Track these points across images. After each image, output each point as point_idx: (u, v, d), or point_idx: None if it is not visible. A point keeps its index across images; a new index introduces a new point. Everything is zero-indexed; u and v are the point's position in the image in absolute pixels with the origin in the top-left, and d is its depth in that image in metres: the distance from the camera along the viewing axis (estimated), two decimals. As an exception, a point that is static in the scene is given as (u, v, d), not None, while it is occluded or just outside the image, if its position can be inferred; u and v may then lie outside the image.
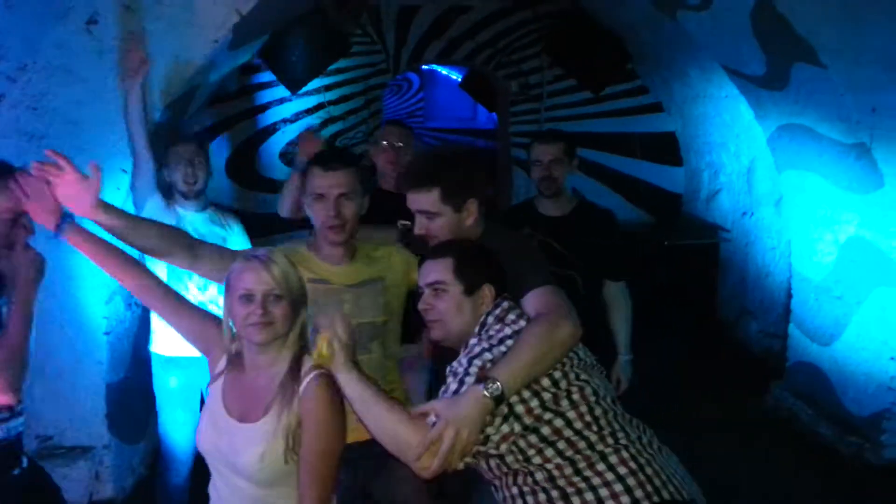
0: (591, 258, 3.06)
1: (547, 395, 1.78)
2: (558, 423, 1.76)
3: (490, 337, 1.86)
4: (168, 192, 3.18)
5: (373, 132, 6.42)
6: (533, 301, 1.95)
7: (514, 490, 1.81)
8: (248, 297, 1.78)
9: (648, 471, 1.76)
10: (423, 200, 2.13)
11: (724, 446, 3.99)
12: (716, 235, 6.02)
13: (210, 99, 5.10)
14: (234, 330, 1.86)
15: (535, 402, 1.77)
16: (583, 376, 1.85)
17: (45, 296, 3.14)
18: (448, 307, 1.95)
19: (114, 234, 2.05)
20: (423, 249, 2.25)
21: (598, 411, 1.81)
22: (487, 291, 1.95)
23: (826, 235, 4.26)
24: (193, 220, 3.16)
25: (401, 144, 3.33)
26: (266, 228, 4.65)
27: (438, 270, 1.97)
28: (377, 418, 1.75)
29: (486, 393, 1.69)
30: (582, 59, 6.16)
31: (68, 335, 3.30)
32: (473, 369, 1.77)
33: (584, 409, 1.79)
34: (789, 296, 4.76)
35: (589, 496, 1.72)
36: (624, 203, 6.57)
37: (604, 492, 1.72)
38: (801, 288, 4.55)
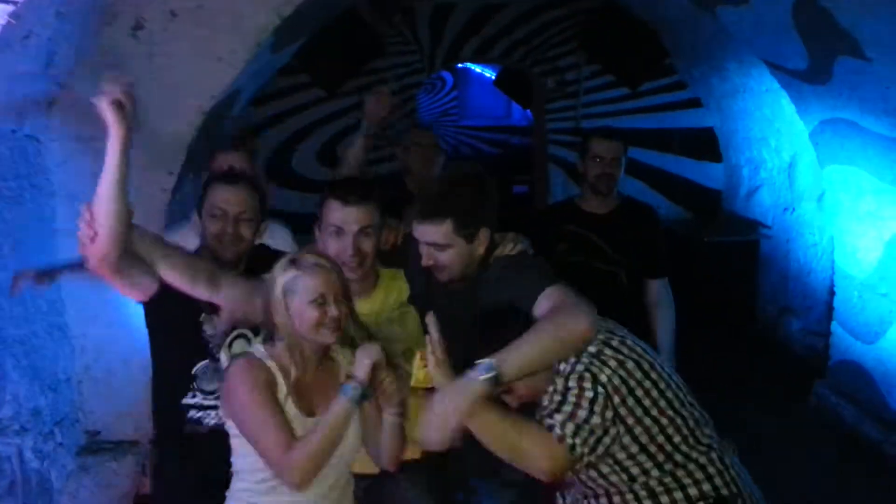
0: (634, 255, 3.06)
1: (647, 401, 1.76)
2: (654, 429, 1.76)
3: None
4: None
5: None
6: (544, 301, 1.88)
7: (603, 499, 1.83)
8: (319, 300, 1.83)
9: (732, 472, 1.82)
10: (434, 232, 2.04)
11: (766, 446, 3.94)
12: (756, 232, 5.94)
13: (249, 101, 5.17)
14: None
15: (638, 410, 1.75)
16: (675, 378, 1.86)
17: (92, 296, 3.27)
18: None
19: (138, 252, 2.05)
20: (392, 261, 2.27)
21: (685, 412, 1.82)
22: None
23: (870, 232, 4.18)
24: None
25: (434, 144, 3.52)
26: (301, 228, 4.71)
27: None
28: (496, 433, 1.74)
29: (479, 378, 1.69)
30: (619, 55, 6.13)
31: (116, 334, 3.39)
32: (572, 384, 1.75)
33: (672, 413, 1.79)
34: (832, 293, 4.67)
35: (678, 495, 1.77)
36: (662, 200, 6.53)
37: (693, 491, 1.76)
38: (845, 285, 4.46)
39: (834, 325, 4.55)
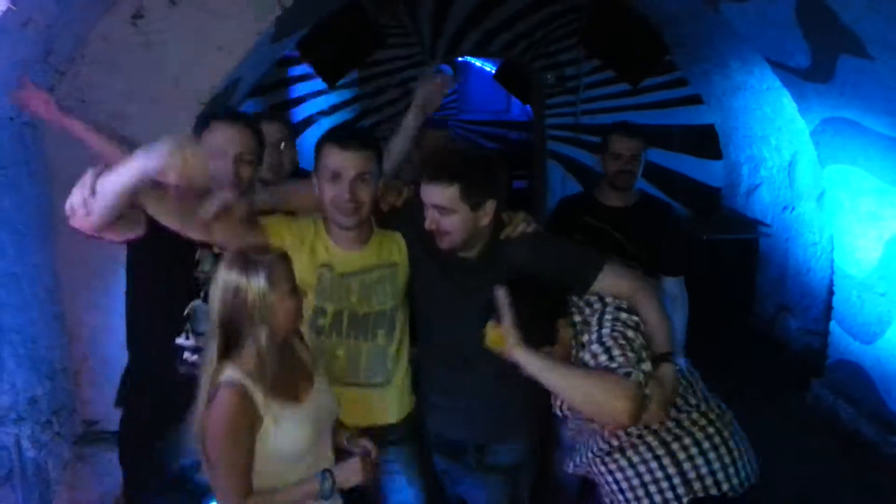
0: (651, 252, 3.06)
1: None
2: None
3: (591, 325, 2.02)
4: None
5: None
6: (616, 282, 2.08)
7: (617, 454, 2.07)
8: None
9: (728, 416, 2.14)
10: (440, 194, 2.04)
11: (762, 444, 3.94)
12: (755, 230, 5.93)
13: (249, 91, 5.15)
14: None
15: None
16: None
17: (91, 285, 3.26)
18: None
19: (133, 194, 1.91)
20: (388, 223, 2.27)
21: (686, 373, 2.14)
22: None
23: (870, 231, 4.18)
24: None
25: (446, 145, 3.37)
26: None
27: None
28: (568, 384, 1.88)
29: (672, 368, 2.03)
30: (619, 51, 6.10)
31: (114, 324, 3.37)
32: (609, 343, 1.94)
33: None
34: (830, 293, 4.68)
35: (687, 440, 2.02)
36: (662, 196, 6.51)
37: (699, 435, 2.04)
38: (844, 285, 4.47)
39: (832, 325, 4.56)
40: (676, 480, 2.00)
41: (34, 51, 2.83)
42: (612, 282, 2.08)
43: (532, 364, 1.87)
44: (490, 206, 2.09)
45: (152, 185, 1.85)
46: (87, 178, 1.79)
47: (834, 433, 4.27)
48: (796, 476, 3.76)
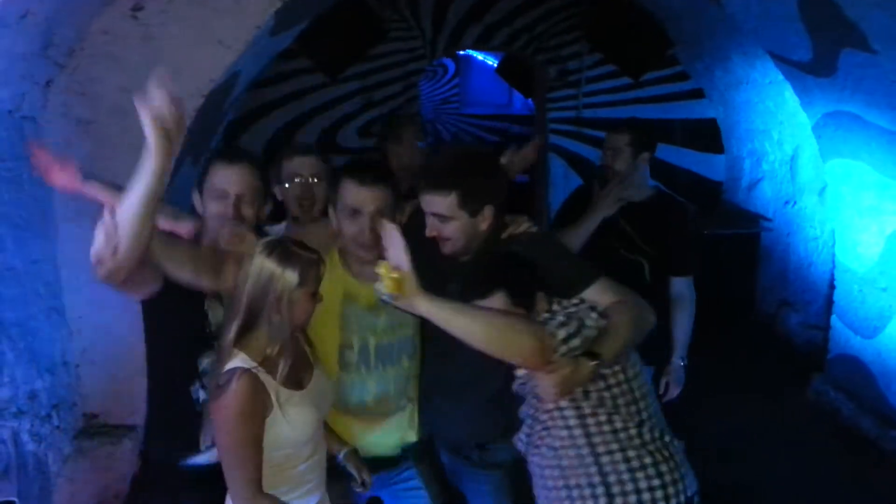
0: (660, 248, 3.04)
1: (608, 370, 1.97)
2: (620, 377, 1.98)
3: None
4: (279, 212, 2.64)
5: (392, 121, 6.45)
6: (601, 293, 2.01)
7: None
8: None
9: (664, 468, 1.93)
10: (439, 204, 2.08)
11: (764, 439, 3.95)
12: (757, 225, 5.92)
13: (249, 85, 5.13)
14: None
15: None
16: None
17: (91, 279, 3.25)
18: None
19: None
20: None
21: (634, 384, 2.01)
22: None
23: (872, 226, 4.17)
24: None
25: (418, 141, 3.39)
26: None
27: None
28: (477, 324, 1.82)
29: (592, 364, 1.87)
30: (622, 45, 6.08)
31: (114, 318, 3.37)
32: (564, 318, 1.93)
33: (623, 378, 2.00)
34: (832, 287, 4.67)
35: (605, 459, 1.91)
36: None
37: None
38: (845, 279, 4.46)
39: (833, 319, 4.55)
40: (599, 490, 1.88)
41: (33, 43, 2.82)
42: (594, 294, 2.03)
43: (437, 311, 1.79)
44: (488, 211, 2.10)
45: (166, 238, 1.91)
46: (105, 218, 1.71)
47: (834, 428, 4.27)
48: (797, 470, 3.76)
